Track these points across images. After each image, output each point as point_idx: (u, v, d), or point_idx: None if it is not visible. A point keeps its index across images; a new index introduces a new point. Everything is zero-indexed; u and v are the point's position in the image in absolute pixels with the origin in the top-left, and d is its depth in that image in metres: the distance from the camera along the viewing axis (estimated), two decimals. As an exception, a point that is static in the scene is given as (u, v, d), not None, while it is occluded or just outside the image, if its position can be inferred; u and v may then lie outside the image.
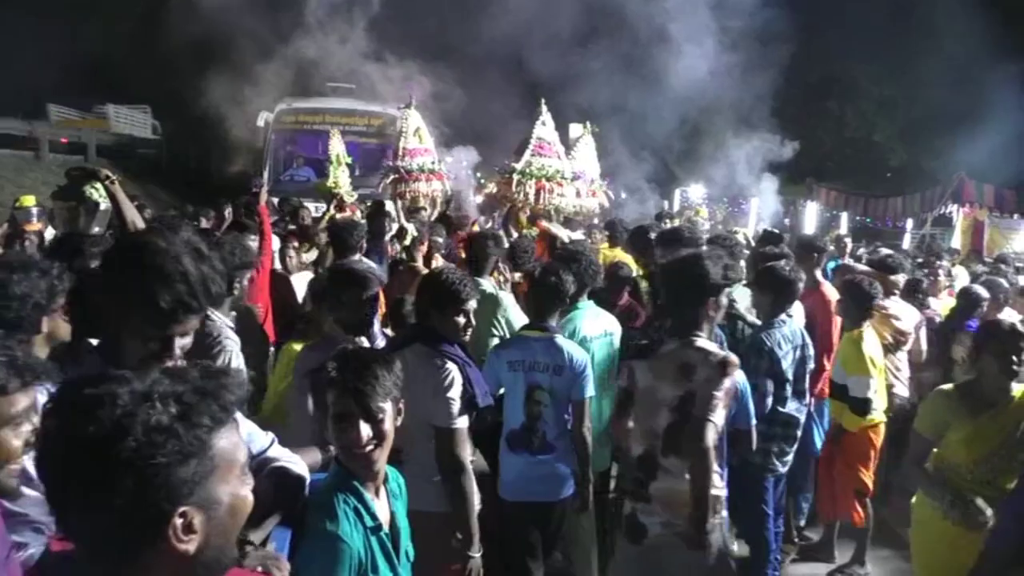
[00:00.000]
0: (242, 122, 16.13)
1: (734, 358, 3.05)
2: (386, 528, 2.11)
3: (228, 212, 8.80)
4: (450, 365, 3.12)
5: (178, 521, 1.12)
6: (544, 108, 8.98)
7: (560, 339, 3.79)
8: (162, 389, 1.15)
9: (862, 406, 4.54)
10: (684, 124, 19.20)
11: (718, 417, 2.88)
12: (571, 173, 8.77)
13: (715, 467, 2.92)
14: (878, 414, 4.71)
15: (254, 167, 15.65)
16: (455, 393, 3.08)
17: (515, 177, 8.44)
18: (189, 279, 1.86)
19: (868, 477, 4.70)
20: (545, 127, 8.79)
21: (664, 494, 3.03)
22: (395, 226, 8.51)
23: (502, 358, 3.78)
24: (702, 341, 3.10)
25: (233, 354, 3.13)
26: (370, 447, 2.05)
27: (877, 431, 4.73)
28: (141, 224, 3.49)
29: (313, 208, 10.94)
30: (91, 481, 1.09)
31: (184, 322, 1.89)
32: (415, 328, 3.46)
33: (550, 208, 8.46)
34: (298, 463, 2.15)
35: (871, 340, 4.72)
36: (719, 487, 3.01)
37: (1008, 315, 5.73)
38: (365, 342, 3.37)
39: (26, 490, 1.68)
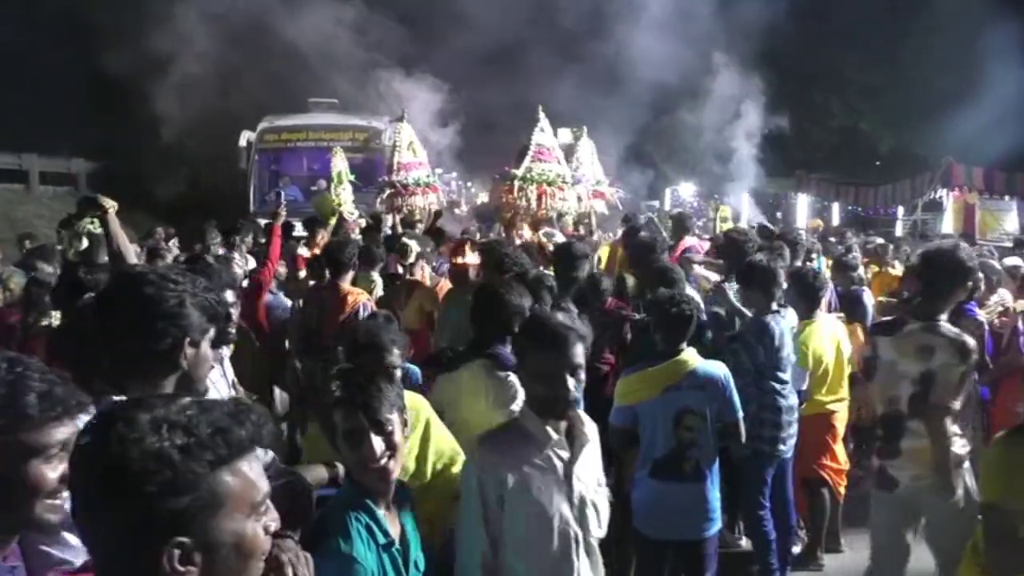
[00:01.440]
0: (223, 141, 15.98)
1: (972, 343, 3.36)
2: (396, 543, 2.13)
3: (213, 236, 8.69)
4: (512, 378, 3.14)
5: (175, 552, 1.12)
6: (542, 114, 9.03)
7: (699, 360, 3.75)
8: (177, 418, 1.16)
9: (798, 397, 4.57)
10: (667, 121, 19.33)
11: (957, 404, 3.32)
12: (572, 177, 8.83)
13: (955, 429, 3.36)
14: (829, 404, 4.75)
15: (237, 188, 15.56)
16: (518, 407, 3.08)
17: (516, 183, 8.48)
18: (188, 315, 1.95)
19: (820, 465, 4.76)
20: (544, 133, 8.84)
21: (911, 452, 3.40)
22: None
23: None
24: (944, 325, 3.40)
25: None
26: (384, 459, 2.09)
27: (827, 419, 4.75)
28: (131, 254, 3.49)
29: (299, 228, 10.90)
30: (96, 499, 1.13)
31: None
32: (473, 345, 3.48)
33: (552, 213, 8.51)
34: (302, 479, 2.22)
35: (820, 333, 4.72)
36: (960, 445, 3.37)
37: (1001, 297, 5.79)
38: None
39: (68, 536, 1.67)
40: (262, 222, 10.51)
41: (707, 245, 7.79)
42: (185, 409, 1.18)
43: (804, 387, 4.61)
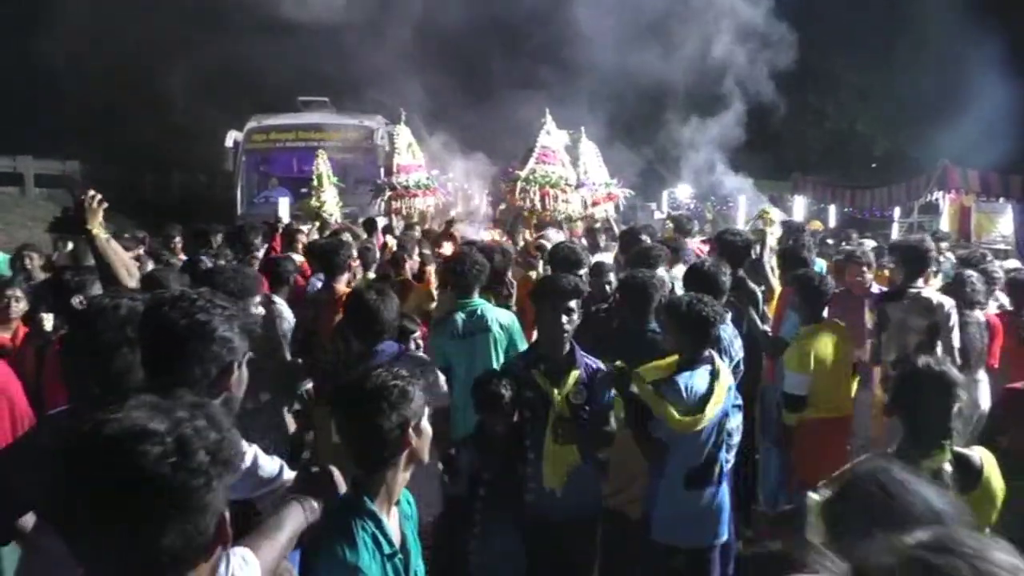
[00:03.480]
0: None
1: (946, 301, 4.72)
2: (399, 551, 2.11)
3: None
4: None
5: None
6: (549, 117, 9.01)
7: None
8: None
9: (793, 402, 4.56)
10: (660, 125, 19.35)
11: (957, 340, 4.69)
12: (576, 180, 8.85)
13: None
14: (832, 410, 4.66)
15: (223, 189, 15.29)
16: None
17: (519, 184, 8.50)
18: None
19: (821, 470, 4.68)
20: (550, 136, 8.87)
21: None
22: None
23: None
24: (927, 291, 4.85)
25: None
26: None
27: (830, 425, 4.66)
28: (124, 275, 3.41)
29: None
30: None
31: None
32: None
33: (557, 215, 8.51)
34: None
35: (823, 338, 4.66)
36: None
37: (1000, 302, 5.76)
38: None
39: None
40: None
41: (706, 248, 7.76)
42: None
43: (804, 392, 4.56)
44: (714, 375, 3.48)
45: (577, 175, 9.23)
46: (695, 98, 19.37)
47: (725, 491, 3.60)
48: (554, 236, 7.37)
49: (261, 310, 4.23)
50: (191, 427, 1.21)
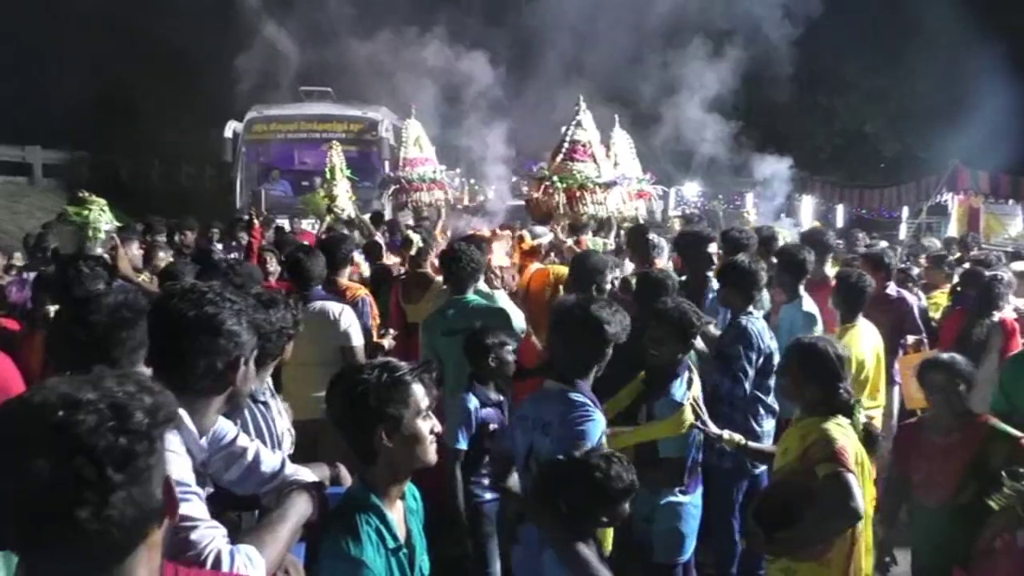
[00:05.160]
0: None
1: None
2: (403, 546, 2.10)
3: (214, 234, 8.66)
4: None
5: None
6: (583, 105, 8.06)
7: None
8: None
9: None
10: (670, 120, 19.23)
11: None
12: (609, 178, 7.95)
13: None
14: (869, 410, 4.64)
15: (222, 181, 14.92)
16: None
17: (544, 183, 7.76)
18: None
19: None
20: (583, 128, 7.96)
21: None
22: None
23: None
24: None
25: None
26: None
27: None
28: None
29: (286, 225, 10.70)
30: None
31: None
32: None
33: (586, 217, 7.72)
34: (311, 476, 2.24)
35: (861, 338, 4.65)
36: None
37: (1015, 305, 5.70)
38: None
39: None
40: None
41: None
42: None
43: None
44: (689, 383, 3.53)
45: (610, 171, 8.28)
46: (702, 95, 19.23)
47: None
48: (539, 230, 7.09)
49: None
50: (122, 391, 1.15)
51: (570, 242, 7.00)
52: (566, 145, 7.87)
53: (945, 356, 3.61)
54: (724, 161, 17.05)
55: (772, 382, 4.11)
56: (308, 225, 10.70)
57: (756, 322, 4.24)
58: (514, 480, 3.05)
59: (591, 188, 7.69)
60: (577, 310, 2.91)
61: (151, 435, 1.15)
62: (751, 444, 3.57)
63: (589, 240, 7.29)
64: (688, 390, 3.47)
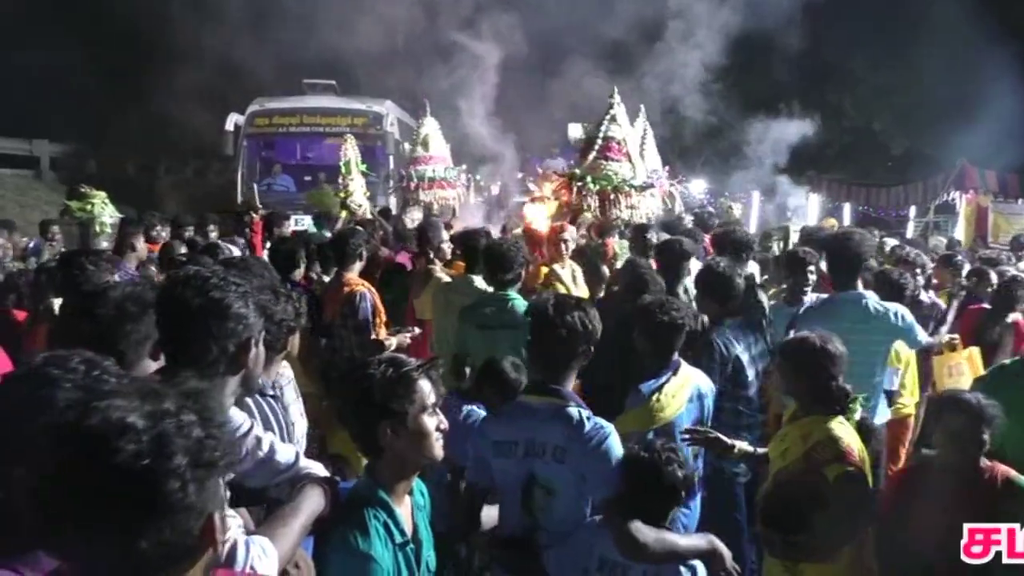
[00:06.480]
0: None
1: None
2: (411, 541, 2.11)
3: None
4: None
5: None
6: (617, 99, 7.54)
7: None
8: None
9: (888, 397, 4.55)
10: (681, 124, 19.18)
11: None
12: (643, 180, 7.53)
13: None
14: (908, 408, 4.82)
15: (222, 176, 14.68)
16: None
17: (575, 184, 7.25)
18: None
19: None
20: (617, 124, 7.49)
21: None
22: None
23: None
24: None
25: None
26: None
27: (905, 423, 4.80)
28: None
29: (292, 221, 10.52)
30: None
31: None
32: None
33: (618, 222, 7.19)
34: (324, 471, 2.25)
35: None
36: None
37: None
38: None
39: None
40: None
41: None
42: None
43: (895, 387, 4.55)
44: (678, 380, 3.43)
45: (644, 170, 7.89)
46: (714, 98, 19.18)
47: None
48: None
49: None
50: (174, 423, 1.14)
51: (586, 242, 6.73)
52: (599, 142, 7.41)
53: (970, 397, 3.09)
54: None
55: (750, 391, 4.01)
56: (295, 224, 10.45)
57: (724, 333, 4.04)
58: (486, 515, 2.84)
59: (626, 191, 7.25)
60: (552, 312, 2.72)
61: (185, 476, 1.13)
62: (758, 450, 3.40)
63: (616, 243, 6.90)
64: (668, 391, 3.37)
